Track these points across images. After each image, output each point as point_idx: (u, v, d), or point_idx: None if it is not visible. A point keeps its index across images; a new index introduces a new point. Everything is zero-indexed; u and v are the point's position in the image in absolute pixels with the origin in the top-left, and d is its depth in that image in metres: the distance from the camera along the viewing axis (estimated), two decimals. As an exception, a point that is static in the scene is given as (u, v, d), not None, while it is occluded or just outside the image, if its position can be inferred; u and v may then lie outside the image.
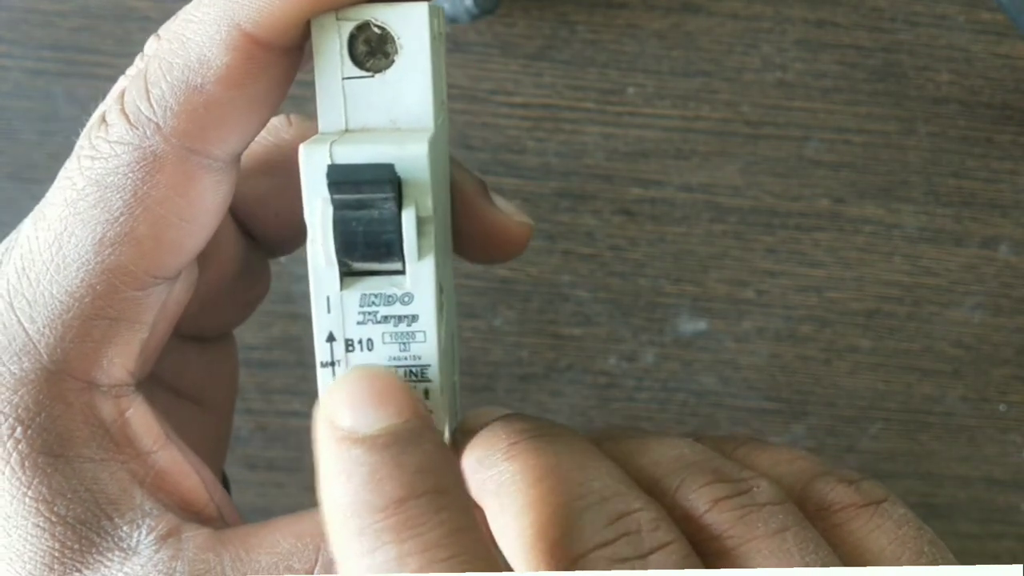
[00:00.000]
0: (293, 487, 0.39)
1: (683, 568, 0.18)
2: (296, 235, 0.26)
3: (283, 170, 0.24)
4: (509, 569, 0.19)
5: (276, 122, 0.25)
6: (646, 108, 0.37)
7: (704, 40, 0.37)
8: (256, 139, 0.23)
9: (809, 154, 0.37)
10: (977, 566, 0.18)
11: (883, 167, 0.38)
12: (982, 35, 0.37)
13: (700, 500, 0.19)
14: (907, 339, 0.39)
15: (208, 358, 0.27)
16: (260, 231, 0.26)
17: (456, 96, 0.37)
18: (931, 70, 0.37)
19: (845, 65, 0.37)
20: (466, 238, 0.24)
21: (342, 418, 0.18)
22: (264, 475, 0.38)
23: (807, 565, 0.18)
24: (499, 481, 0.20)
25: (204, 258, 0.24)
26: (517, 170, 0.37)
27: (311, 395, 0.38)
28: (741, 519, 0.19)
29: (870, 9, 0.37)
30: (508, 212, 0.24)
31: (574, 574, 0.18)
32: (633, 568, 0.18)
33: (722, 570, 0.20)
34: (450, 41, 0.37)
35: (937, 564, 0.19)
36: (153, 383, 0.23)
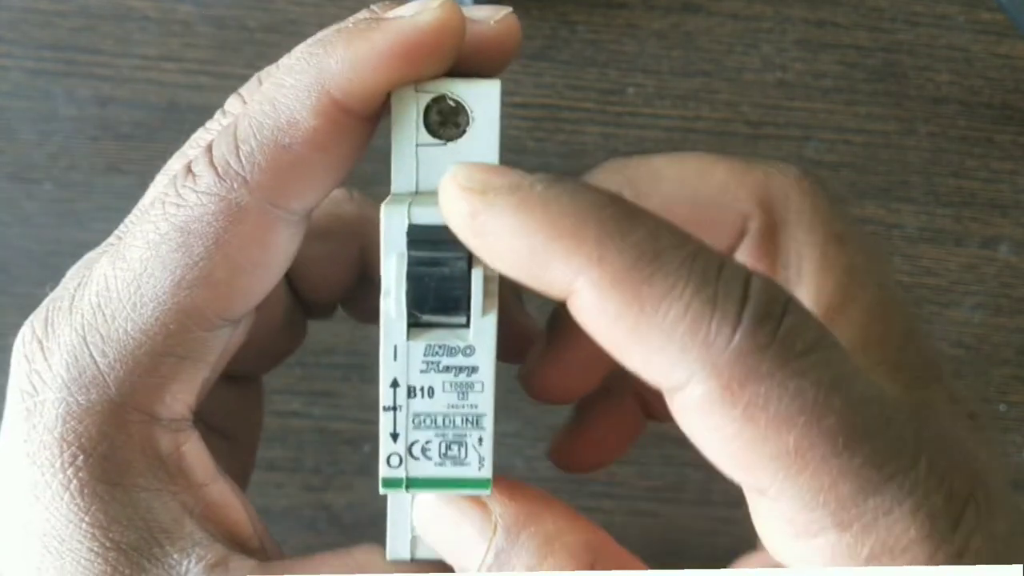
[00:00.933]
0: (293, 487, 0.39)
1: None
2: (334, 300, 0.28)
3: (338, 238, 0.26)
4: None
5: (338, 194, 0.27)
6: (646, 108, 0.37)
7: (704, 40, 0.37)
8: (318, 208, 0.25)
9: (809, 154, 0.37)
10: (977, 566, 0.18)
11: (883, 167, 0.38)
12: (982, 35, 0.37)
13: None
14: (907, 339, 0.39)
15: (237, 396, 0.28)
16: (305, 292, 0.27)
17: (456, 96, 0.37)
18: (931, 70, 0.37)
19: (845, 65, 0.37)
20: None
21: (501, 178, 0.19)
22: (264, 475, 0.38)
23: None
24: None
25: (259, 308, 0.25)
26: (517, 170, 0.37)
27: (311, 395, 0.38)
28: None
29: (870, 9, 0.37)
30: (532, 321, 0.26)
31: None
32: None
33: (731, 570, 0.20)
34: (450, 41, 0.37)
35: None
36: (196, 424, 0.24)
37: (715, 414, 0.18)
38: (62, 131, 0.37)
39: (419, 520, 0.22)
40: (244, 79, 0.24)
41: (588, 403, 0.28)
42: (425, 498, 0.22)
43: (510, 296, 0.25)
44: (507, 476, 0.22)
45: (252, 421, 0.29)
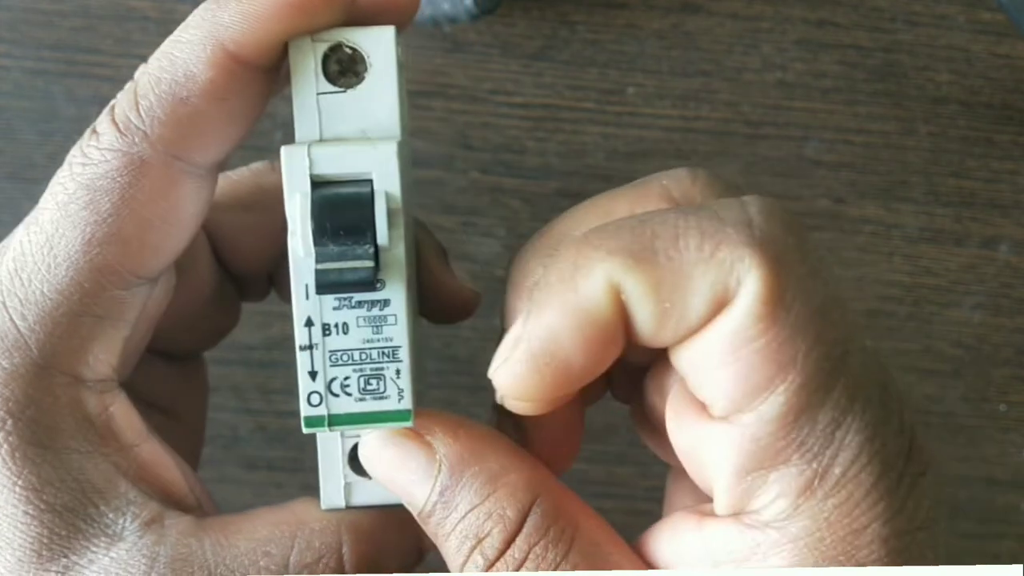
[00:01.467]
0: (293, 487, 0.39)
1: None
2: (262, 272, 0.28)
3: (262, 209, 0.27)
4: None
5: (260, 166, 0.27)
6: (646, 108, 0.37)
7: (704, 40, 0.37)
8: (240, 179, 0.27)
9: (809, 154, 0.37)
10: (977, 566, 0.18)
11: (883, 167, 0.38)
12: (982, 35, 0.37)
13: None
14: (907, 339, 0.39)
15: (178, 374, 0.28)
16: (233, 264, 0.28)
17: (456, 96, 0.37)
18: (931, 70, 0.37)
19: (845, 65, 0.37)
20: (422, 298, 0.26)
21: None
22: (264, 475, 0.38)
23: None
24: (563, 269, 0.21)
25: (182, 273, 0.25)
26: (517, 170, 0.37)
27: (311, 395, 0.38)
28: None
29: (870, 9, 0.37)
30: (461, 280, 0.26)
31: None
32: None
33: (724, 570, 0.20)
34: (450, 41, 0.37)
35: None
36: (128, 392, 0.24)
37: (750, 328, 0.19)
38: (62, 131, 0.37)
39: (365, 460, 0.22)
40: (244, 79, 0.24)
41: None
42: (369, 438, 0.22)
43: (434, 258, 0.25)
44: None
45: (196, 400, 0.30)
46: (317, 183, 0.21)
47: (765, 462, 0.19)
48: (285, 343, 0.38)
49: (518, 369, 0.20)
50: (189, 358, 0.29)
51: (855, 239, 0.38)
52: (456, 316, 0.26)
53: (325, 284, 0.21)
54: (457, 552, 0.21)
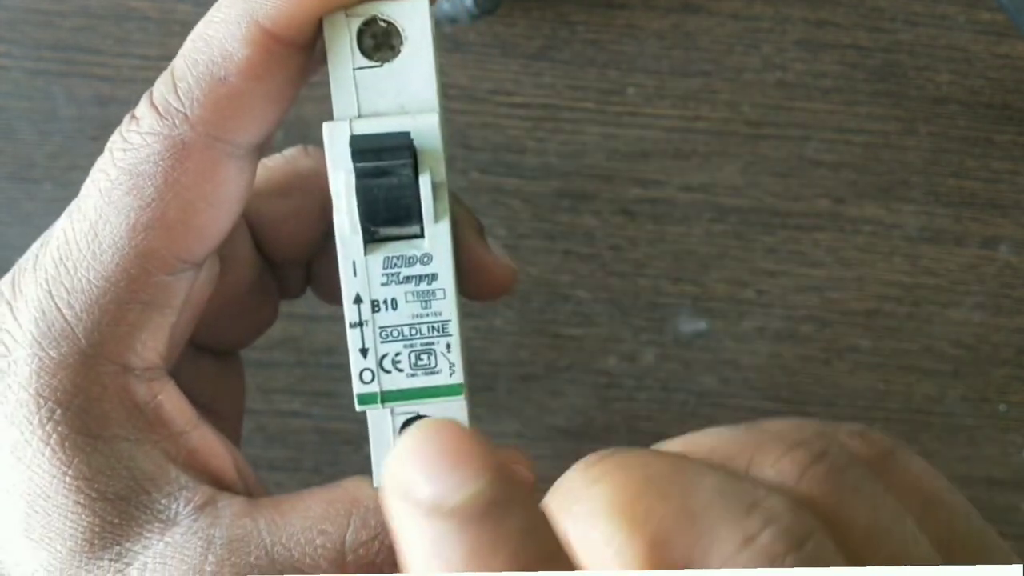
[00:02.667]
0: (293, 487, 0.39)
1: (836, 562, 0.16)
2: (301, 264, 0.28)
3: (299, 194, 0.27)
4: None
5: (294, 151, 0.27)
6: (646, 108, 0.37)
7: (704, 40, 0.37)
8: (276, 166, 0.26)
9: (809, 154, 0.37)
10: (977, 566, 0.18)
11: (883, 167, 0.38)
12: (982, 35, 0.37)
13: (787, 470, 0.17)
14: (907, 339, 0.39)
15: (218, 370, 0.28)
16: (273, 251, 0.27)
17: (456, 96, 0.37)
18: (931, 70, 0.37)
19: (845, 65, 0.37)
20: (459, 274, 0.25)
21: (419, 488, 0.15)
22: (264, 475, 0.38)
23: (898, 516, 0.17)
24: (592, 511, 0.16)
25: (224, 261, 0.25)
26: (517, 170, 0.37)
27: (311, 395, 0.38)
28: (832, 483, 0.17)
29: (870, 9, 0.37)
30: (498, 255, 0.25)
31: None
32: (786, 564, 0.15)
33: (716, 570, 0.20)
34: (450, 41, 0.37)
35: (959, 502, 0.18)
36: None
37: None
38: (62, 131, 0.37)
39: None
40: (244, 79, 0.24)
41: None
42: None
43: (472, 233, 0.25)
44: None
45: (234, 396, 0.29)
46: (359, 153, 0.20)
47: None
48: (285, 343, 0.38)
49: None
50: (229, 354, 0.29)
51: (855, 239, 0.38)
52: (493, 292, 0.26)
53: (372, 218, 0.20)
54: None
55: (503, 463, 0.15)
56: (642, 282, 0.38)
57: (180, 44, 0.37)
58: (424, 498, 0.15)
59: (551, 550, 0.15)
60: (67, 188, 0.37)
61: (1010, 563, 0.17)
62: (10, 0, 0.36)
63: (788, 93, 0.37)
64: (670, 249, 0.38)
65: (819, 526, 0.16)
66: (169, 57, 0.36)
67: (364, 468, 0.38)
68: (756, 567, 0.15)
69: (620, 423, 0.38)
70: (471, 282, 0.25)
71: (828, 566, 0.15)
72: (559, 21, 0.37)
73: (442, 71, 0.24)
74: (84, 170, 0.38)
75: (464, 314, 0.38)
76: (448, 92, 0.37)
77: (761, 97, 0.37)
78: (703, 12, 0.37)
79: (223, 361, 0.29)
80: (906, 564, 0.16)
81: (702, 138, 0.37)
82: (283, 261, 0.28)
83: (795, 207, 0.38)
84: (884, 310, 0.38)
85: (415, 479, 0.15)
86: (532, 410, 0.38)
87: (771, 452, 0.17)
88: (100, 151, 0.37)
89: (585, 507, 0.16)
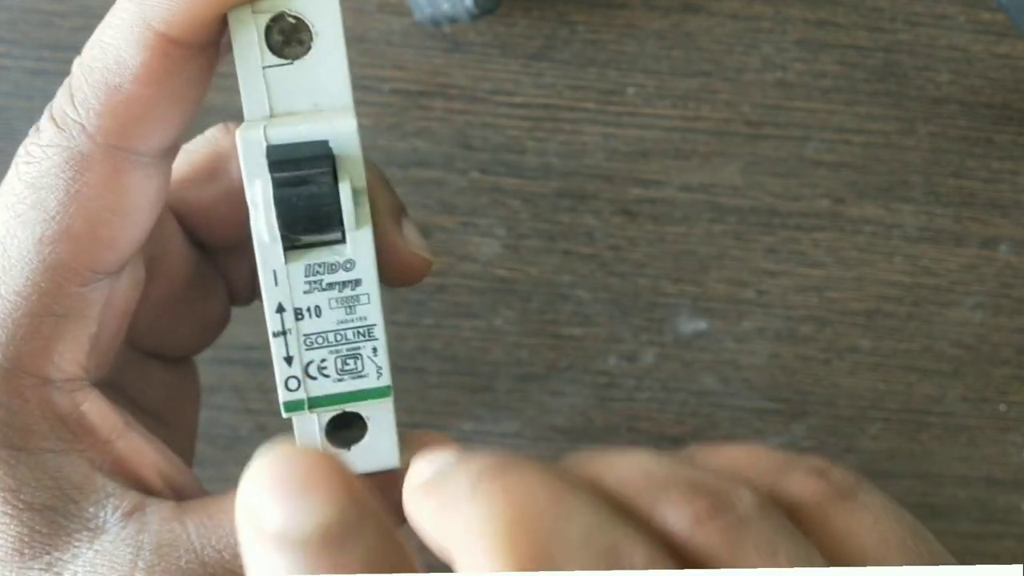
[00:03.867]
0: (293, 487, 0.39)
1: None
2: (242, 244, 0.27)
3: (225, 175, 0.26)
4: None
5: (214, 131, 0.26)
6: (646, 108, 0.37)
7: (704, 40, 0.37)
8: (197, 149, 0.26)
9: (809, 154, 0.37)
10: (977, 566, 0.18)
11: (883, 167, 0.38)
12: (982, 35, 0.37)
13: (682, 520, 0.17)
14: (907, 339, 0.39)
15: (169, 377, 0.28)
16: (207, 238, 0.27)
17: (456, 96, 0.37)
18: (931, 70, 0.37)
19: (845, 65, 0.37)
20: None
21: (270, 516, 0.15)
22: (264, 475, 0.38)
23: None
24: (467, 529, 0.17)
25: (152, 262, 0.25)
26: (517, 170, 0.37)
27: (311, 395, 0.38)
28: (729, 541, 0.17)
29: (870, 9, 0.37)
30: (413, 242, 0.24)
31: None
32: None
33: (717, 570, 0.20)
34: (450, 41, 0.37)
35: (920, 554, 0.18)
36: (116, 395, 0.24)
37: None
38: (62, 131, 0.37)
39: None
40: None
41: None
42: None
43: (388, 219, 0.24)
44: None
45: (186, 405, 0.29)
46: (277, 164, 0.20)
47: None
48: (285, 343, 0.38)
49: None
50: (180, 361, 0.29)
51: (855, 239, 0.38)
52: (404, 281, 0.25)
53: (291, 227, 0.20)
54: None
55: (355, 487, 0.15)
56: (642, 282, 0.38)
57: (180, 44, 0.37)
58: (273, 527, 0.15)
59: (402, 572, 0.15)
60: (67, 188, 0.37)
61: None
62: (10, 0, 0.36)
63: (788, 93, 0.37)
64: (670, 249, 0.38)
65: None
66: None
67: (364, 468, 0.38)
68: None
69: (620, 423, 0.38)
70: (382, 270, 0.25)
71: None
72: (559, 21, 0.37)
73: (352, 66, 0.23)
74: (84, 170, 0.38)
75: (461, 314, 0.38)
76: (448, 92, 0.37)
77: (761, 97, 0.37)
78: (703, 12, 0.37)
79: (174, 368, 0.28)
80: None
81: (702, 138, 0.37)
82: (220, 247, 0.27)
83: (795, 207, 0.38)
84: (884, 310, 0.38)
85: (266, 505, 0.15)
86: (532, 410, 0.38)
87: (675, 497, 0.17)
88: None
89: (461, 519, 0.17)
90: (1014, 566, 0.18)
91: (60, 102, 0.21)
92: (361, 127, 0.21)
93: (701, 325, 0.38)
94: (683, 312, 0.38)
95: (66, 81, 0.21)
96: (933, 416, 0.39)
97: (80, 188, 0.21)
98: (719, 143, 0.37)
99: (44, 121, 0.22)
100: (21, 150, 0.22)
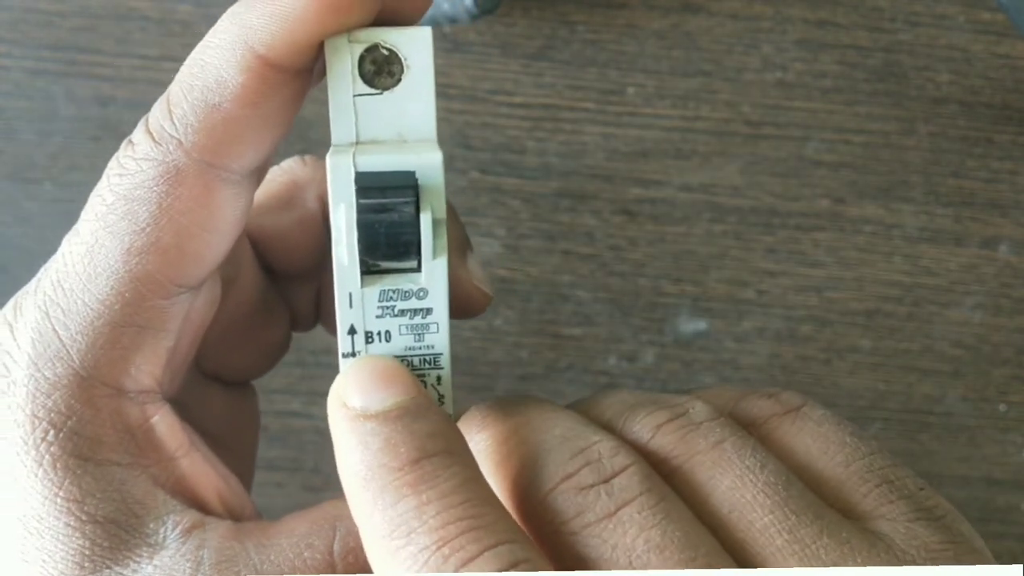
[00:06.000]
0: (293, 487, 0.39)
1: (646, 486, 0.19)
2: (311, 273, 0.28)
3: (300, 204, 0.27)
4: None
5: (291, 163, 0.27)
6: (646, 108, 0.37)
7: (704, 40, 0.37)
8: (274, 179, 0.26)
9: (809, 154, 0.37)
10: (977, 566, 0.18)
11: (883, 167, 0.38)
12: (982, 35, 0.37)
13: (644, 429, 0.21)
14: (907, 339, 0.39)
15: (230, 401, 0.28)
16: (280, 265, 0.28)
17: (456, 96, 0.37)
18: (931, 70, 0.37)
19: (845, 65, 0.37)
20: None
21: (353, 399, 0.20)
22: (264, 475, 0.38)
23: (747, 469, 0.20)
24: (476, 451, 0.21)
25: (226, 283, 0.25)
26: (517, 170, 0.37)
27: (311, 395, 0.38)
28: (682, 439, 0.21)
29: (870, 9, 0.37)
30: (476, 276, 0.26)
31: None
32: (598, 495, 0.19)
33: (730, 570, 0.20)
34: (450, 41, 0.37)
35: (858, 448, 0.21)
36: (181, 413, 0.24)
37: None
38: (62, 131, 0.37)
39: None
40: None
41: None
42: None
43: (456, 256, 0.25)
44: None
45: (247, 429, 0.29)
46: (363, 190, 0.21)
47: None
48: (285, 343, 0.38)
49: None
50: (240, 385, 0.29)
51: (855, 239, 0.38)
52: (461, 314, 0.26)
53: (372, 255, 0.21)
54: None
55: (422, 390, 0.21)
56: (642, 282, 0.38)
57: (180, 44, 0.37)
58: (354, 406, 0.20)
59: (452, 448, 0.20)
60: (67, 188, 0.37)
61: (909, 492, 0.21)
62: (10, 0, 0.36)
63: (788, 93, 0.37)
64: (670, 249, 0.38)
65: (638, 466, 0.20)
66: (169, 57, 0.36)
67: (364, 468, 0.38)
68: (572, 498, 0.19)
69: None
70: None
71: (637, 495, 0.19)
72: (559, 21, 0.37)
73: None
74: (84, 170, 0.38)
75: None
76: (448, 92, 0.37)
77: (761, 97, 0.37)
78: (703, 12, 0.37)
79: (234, 392, 0.29)
80: (738, 510, 0.19)
81: (702, 138, 0.37)
82: (290, 274, 0.28)
83: (795, 207, 0.38)
84: (884, 310, 0.38)
85: (350, 394, 0.20)
86: (532, 410, 0.38)
87: (640, 413, 0.21)
88: (100, 151, 0.37)
89: (473, 447, 0.21)
90: (1014, 566, 0.18)
91: (157, 117, 0.22)
92: None
93: (701, 325, 0.38)
94: (683, 312, 0.38)
95: (162, 97, 0.22)
96: (933, 416, 0.39)
97: (172, 202, 0.21)
98: (719, 143, 0.37)
99: (139, 134, 0.22)
100: (113, 162, 0.22)
